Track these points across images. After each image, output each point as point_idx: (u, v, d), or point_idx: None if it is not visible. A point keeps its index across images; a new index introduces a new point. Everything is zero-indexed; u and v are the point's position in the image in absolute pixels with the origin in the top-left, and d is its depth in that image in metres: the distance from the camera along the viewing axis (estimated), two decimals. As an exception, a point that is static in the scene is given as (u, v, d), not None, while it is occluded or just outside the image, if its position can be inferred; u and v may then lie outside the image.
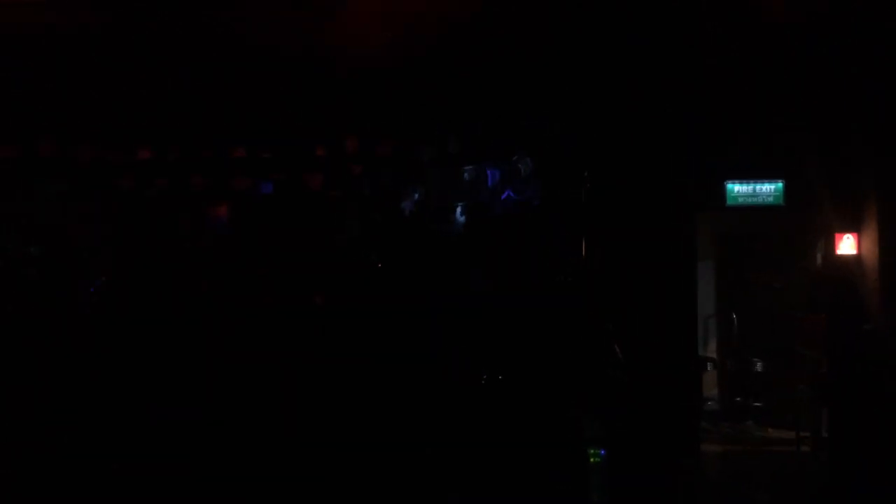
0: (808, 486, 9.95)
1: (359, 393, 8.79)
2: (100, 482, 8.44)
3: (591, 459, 8.13)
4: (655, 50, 9.23)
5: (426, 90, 9.33)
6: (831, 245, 10.01)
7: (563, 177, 9.34)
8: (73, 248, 9.50)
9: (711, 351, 12.95)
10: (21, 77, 9.42)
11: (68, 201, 9.53)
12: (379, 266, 9.48)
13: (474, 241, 9.33)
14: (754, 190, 10.14)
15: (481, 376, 8.84)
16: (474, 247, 9.31)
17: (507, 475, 8.30)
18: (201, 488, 8.42)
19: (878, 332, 9.49)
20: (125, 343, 9.10)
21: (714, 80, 9.37)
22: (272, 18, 9.20)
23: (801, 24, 9.07)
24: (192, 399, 8.82)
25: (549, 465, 8.29)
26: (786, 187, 10.10)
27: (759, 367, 12.33)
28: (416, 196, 9.55)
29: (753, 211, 10.32)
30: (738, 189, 10.15)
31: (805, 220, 11.00)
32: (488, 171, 9.45)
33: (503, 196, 9.41)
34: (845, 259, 9.86)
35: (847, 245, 9.86)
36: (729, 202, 10.20)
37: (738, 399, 12.57)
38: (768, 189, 10.13)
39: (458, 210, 9.50)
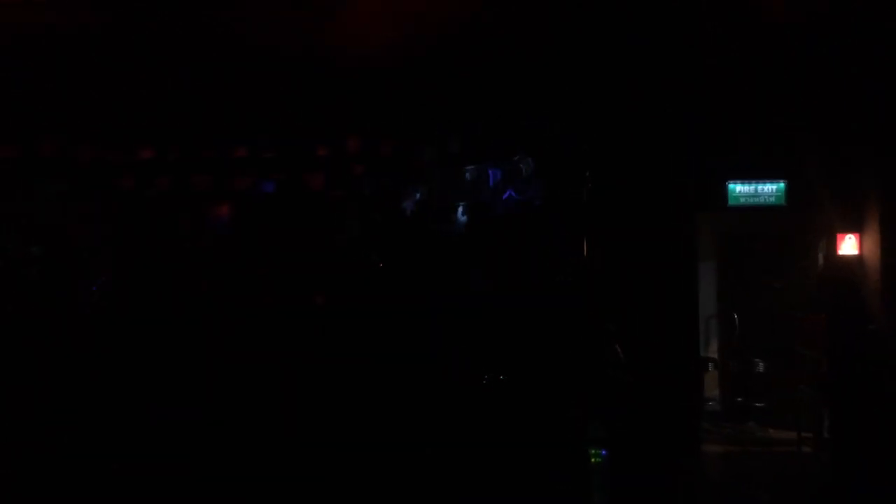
0: (810, 487, 9.93)
1: (359, 393, 8.78)
2: (100, 482, 8.45)
3: (593, 460, 8.12)
4: (655, 50, 9.23)
5: (426, 90, 9.32)
6: (833, 245, 9.97)
7: (564, 177, 9.33)
8: (73, 248, 9.50)
9: (713, 351, 12.93)
10: (21, 77, 9.43)
11: (68, 201, 9.52)
12: (381, 266, 9.47)
13: (475, 241, 9.33)
14: (756, 190, 10.11)
15: (482, 376, 8.84)
16: (475, 247, 9.30)
17: (507, 475, 8.30)
18: (201, 488, 8.43)
19: (880, 332, 9.46)
20: (125, 343, 9.10)
21: (715, 80, 9.35)
22: (272, 18, 9.21)
23: (801, 23, 9.05)
24: (192, 399, 8.82)
25: (550, 466, 8.29)
26: (787, 187, 10.08)
27: (760, 367, 12.31)
28: (417, 196, 9.54)
29: (755, 211, 10.28)
30: (739, 189, 10.12)
31: (807, 221, 10.98)
32: (489, 171, 9.44)
33: (504, 196, 9.40)
34: (847, 259, 9.84)
35: (849, 245, 9.84)
36: (731, 202, 10.17)
37: (740, 399, 12.54)
38: (770, 189, 10.10)
39: (459, 210, 9.50)
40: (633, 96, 9.26)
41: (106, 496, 8.43)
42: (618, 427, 8.42)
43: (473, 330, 8.95)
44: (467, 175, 9.52)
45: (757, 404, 12.42)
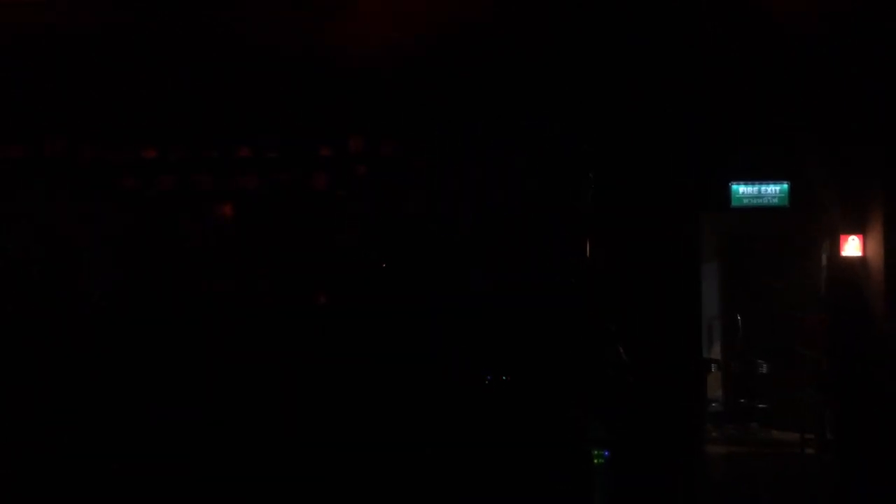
0: (813, 489, 9.91)
1: (359, 393, 8.78)
2: (100, 482, 8.46)
3: (595, 461, 8.11)
4: (656, 50, 9.21)
5: (426, 90, 9.32)
6: (836, 246, 9.96)
7: (565, 177, 9.32)
8: (74, 248, 9.50)
9: (716, 353, 12.94)
10: (21, 77, 9.45)
11: (70, 201, 9.53)
12: (383, 266, 9.46)
13: (475, 241, 9.31)
14: (759, 191, 10.10)
15: (482, 376, 8.83)
16: (475, 247, 9.28)
17: (508, 476, 8.29)
18: (201, 488, 8.43)
19: (888, 334, 9.44)
20: (126, 343, 9.10)
21: (716, 80, 9.33)
22: (272, 18, 9.21)
23: (803, 23, 9.02)
24: (192, 399, 8.83)
25: (552, 466, 8.27)
26: (791, 188, 10.06)
27: (763, 368, 12.30)
28: (417, 196, 9.53)
29: (758, 212, 10.27)
30: (742, 190, 10.11)
31: (810, 222, 10.95)
32: (489, 171, 9.43)
33: (504, 196, 9.38)
34: (850, 261, 9.82)
35: (852, 246, 9.82)
36: (734, 203, 10.16)
37: (743, 401, 12.55)
38: (773, 190, 10.08)
39: (459, 210, 9.48)
40: (634, 96, 9.25)
41: (106, 496, 8.44)
42: (619, 428, 8.40)
43: (474, 330, 8.93)
44: (467, 175, 9.51)
45: (760, 405, 12.42)
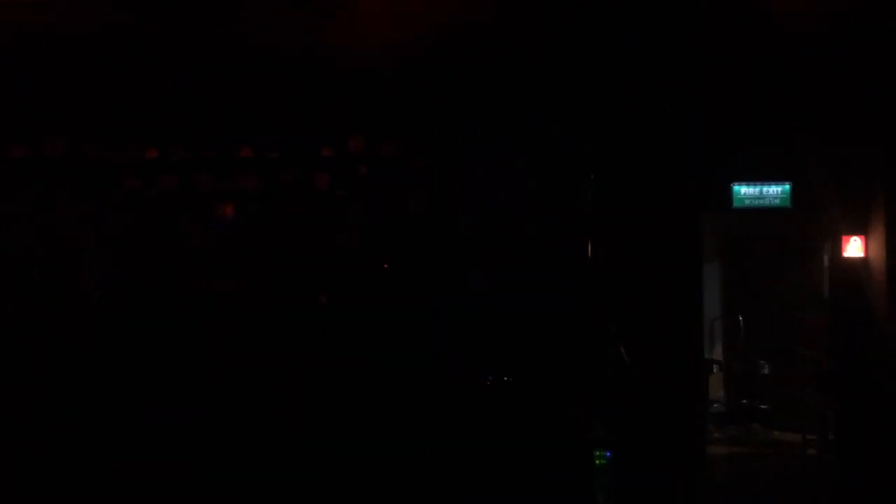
0: (815, 489, 9.90)
1: (360, 393, 8.77)
2: (100, 482, 8.46)
3: (597, 461, 8.10)
4: (656, 50, 9.21)
5: (427, 90, 9.33)
6: (838, 247, 9.94)
7: (565, 177, 9.32)
8: (74, 248, 9.52)
9: (718, 353, 12.93)
10: (22, 77, 9.47)
11: (70, 201, 9.54)
12: (384, 266, 9.46)
13: (475, 241, 9.31)
14: (761, 192, 10.10)
15: (483, 376, 8.82)
16: (475, 247, 9.29)
17: (509, 476, 8.28)
18: (201, 488, 8.43)
19: (885, 334, 9.43)
20: (126, 343, 9.11)
21: (717, 80, 9.34)
22: (272, 18, 9.24)
23: (803, 23, 9.02)
24: (192, 399, 8.82)
25: (553, 467, 8.26)
26: (793, 189, 10.06)
27: (765, 369, 12.29)
28: (417, 196, 9.54)
29: (760, 213, 10.27)
30: (744, 191, 10.12)
31: (811, 222, 10.94)
32: (489, 171, 9.43)
33: (504, 196, 9.38)
34: (852, 261, 9.81)
35: (854, 247, 9.80)
36: (735, 204, 10.16)
37: (745, 401, 12.53)
38: (775, 191, 10.08)
39: (459, 210, 9.48)
40: (634, 96, 9.25)
41: (106, 496, 8.44)
42: (620, 428, 8.39)
43: (474, 330, 8.93)
44: (467, 175, 9.51)
45: (762, 406, 12.41)
